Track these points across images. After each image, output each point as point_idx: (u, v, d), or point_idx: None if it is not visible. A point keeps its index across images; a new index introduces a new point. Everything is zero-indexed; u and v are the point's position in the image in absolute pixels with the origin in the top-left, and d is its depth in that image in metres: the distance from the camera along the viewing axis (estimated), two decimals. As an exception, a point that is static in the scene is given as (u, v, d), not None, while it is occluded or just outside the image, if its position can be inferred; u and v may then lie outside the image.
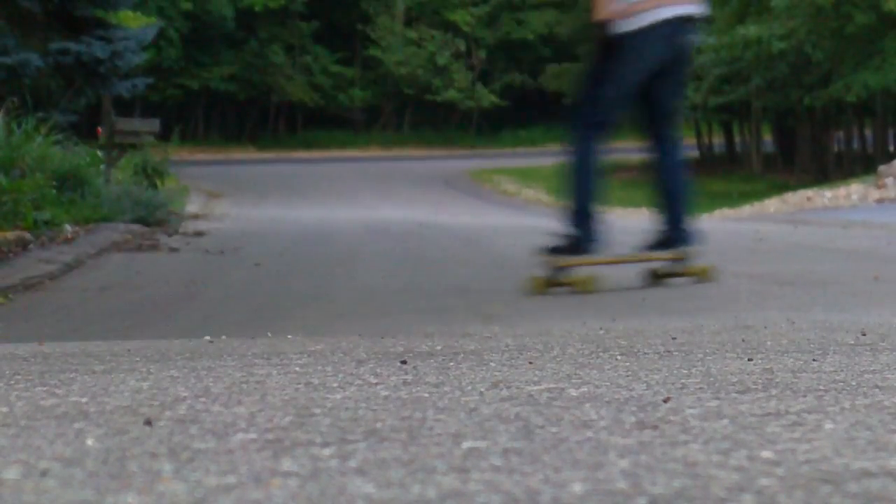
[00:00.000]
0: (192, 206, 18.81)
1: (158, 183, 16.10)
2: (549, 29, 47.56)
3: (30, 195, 9.69)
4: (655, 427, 1.85)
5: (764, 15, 25.66)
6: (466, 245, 10.58)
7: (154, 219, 12.63)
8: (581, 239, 5.94)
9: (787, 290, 6.09)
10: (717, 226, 14.92)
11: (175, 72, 48.32)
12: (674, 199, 6.25)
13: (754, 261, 8.08)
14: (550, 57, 48.10)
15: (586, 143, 5.99)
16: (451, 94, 53.38)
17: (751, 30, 25.26)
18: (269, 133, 54.84)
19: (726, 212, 20.81)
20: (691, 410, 2.01)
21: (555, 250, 5.93)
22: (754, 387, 2.33)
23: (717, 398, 2.16)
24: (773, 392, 2.25)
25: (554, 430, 1.84)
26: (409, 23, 54.90)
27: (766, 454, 1.62)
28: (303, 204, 24.03)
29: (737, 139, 37.80)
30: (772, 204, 19.61)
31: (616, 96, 6.01)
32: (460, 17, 53.53)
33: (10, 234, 8.65)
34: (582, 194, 5.98)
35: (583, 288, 5.80)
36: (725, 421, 1.90)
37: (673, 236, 6.12)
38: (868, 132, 31.51)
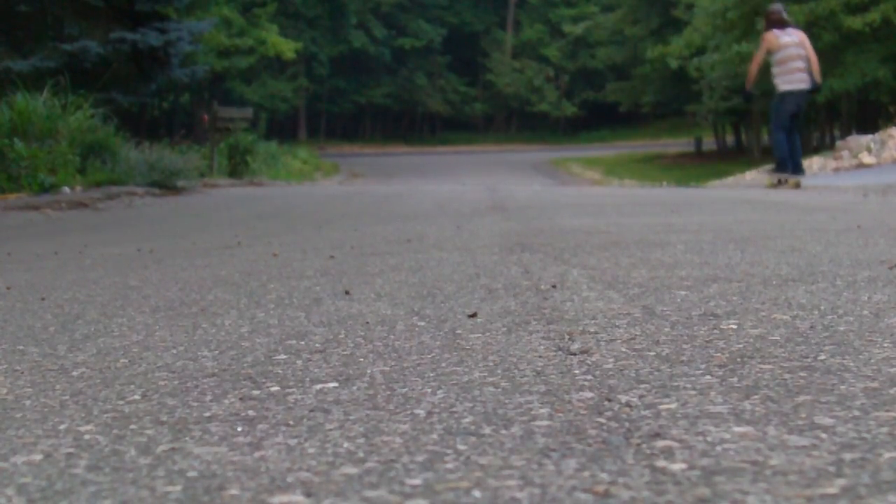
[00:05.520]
0: (335, 180, 18.81)
1: (249, 160, 14.56)
2: (611, 59, 46.48)
3: (45, 161, 8.37)
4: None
5: (754, 35, 24.57)
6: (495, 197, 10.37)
7: (170, 184, 9.89)
8: None
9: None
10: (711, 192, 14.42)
11: (349, 91, 48.81)
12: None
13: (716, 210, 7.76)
14: (612, 79, 47.11)
15: None
16: (543, 107, 53.07)
17: (743, 47, 24.21)
18: (416, 134, 55.07)
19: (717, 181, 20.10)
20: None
21: None
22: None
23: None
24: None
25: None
26: (514, 56, 54.56)
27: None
28: (418, 181, 23.72)
29: (743, 136, 36.54)
30: (750, 174, 18.80)
31: None
32: (550, 52, 53.11)
33: (12, 196, 7.42)
34: None
35: None
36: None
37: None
38: (837, 132, 30.06)
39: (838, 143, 18.77)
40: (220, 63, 35.00)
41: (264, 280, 2.73)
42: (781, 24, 9.74)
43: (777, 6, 9.93)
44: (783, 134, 9.75)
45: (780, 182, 9.84)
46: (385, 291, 2.35)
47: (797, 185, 9.66)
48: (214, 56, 32.68)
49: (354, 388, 1.34)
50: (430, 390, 1.30)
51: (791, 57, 9.58)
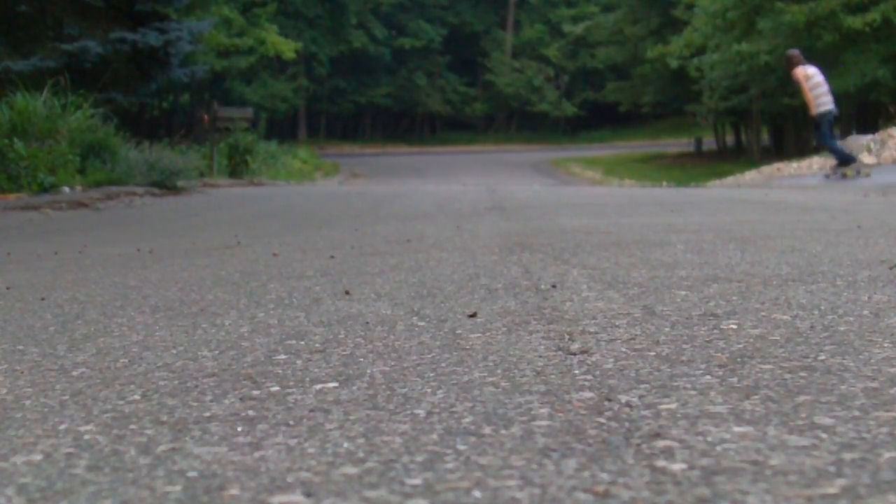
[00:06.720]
0: (335, 180, 18.75)
1: (249, 160, 14.53)
2: (611, 59, 46.48)
3: (45, 161, 8.30)
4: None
5: (754, 35, 24.50)
6: (496, 197, 10.36)
7: (170, 184, 9.83)
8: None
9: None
10: (713, 192, 14.40)
11: (349, 91, 48.82)
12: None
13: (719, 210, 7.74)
14: (612, 79, 47.11)
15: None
16: (543, 107, 53.08)
17: (744, 46, 24.19)
18: (416, 134, 55.04)
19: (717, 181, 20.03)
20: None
21: None
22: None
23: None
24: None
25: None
26: (514, 56, 54.56)
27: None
28: (418, 181, 23.62)
29: (743, 136, 36.51)
30: (749, 174, 18.76)
31: None
32: (550, 52, 53.13)
33: (12, 196, 7.32)
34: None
35: None
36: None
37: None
38: (837, 132, 30.07)
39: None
40: (220, 63, 34.96)
41: (264, 280, 2.73)
42: (802, 63, 12.33)
43: (796, 50, 12.75)
44: (834, 140, 12.41)
45: (858, 173, 12.21)
46: (385, 291, 2.35)
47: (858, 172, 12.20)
48: (214, 56, 32.64)
49: (354, 388, 1.34)
50: (430, 390, 1.30)
51: (819, 83, 12.16)
